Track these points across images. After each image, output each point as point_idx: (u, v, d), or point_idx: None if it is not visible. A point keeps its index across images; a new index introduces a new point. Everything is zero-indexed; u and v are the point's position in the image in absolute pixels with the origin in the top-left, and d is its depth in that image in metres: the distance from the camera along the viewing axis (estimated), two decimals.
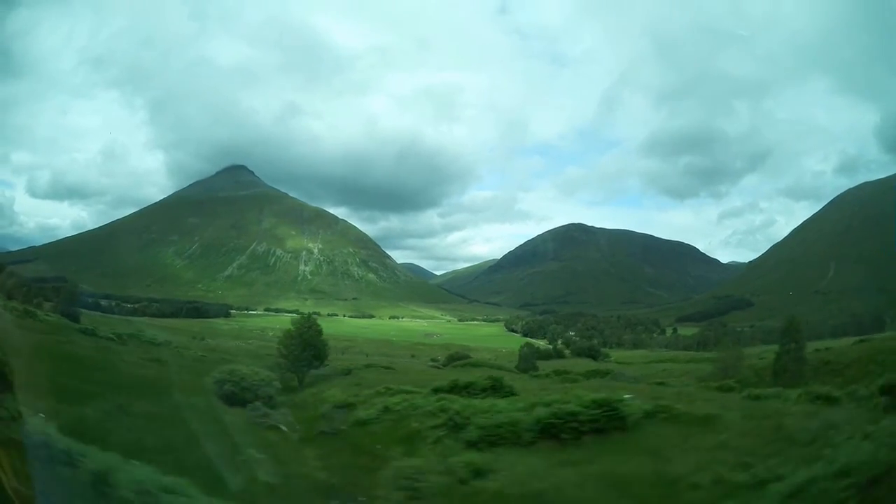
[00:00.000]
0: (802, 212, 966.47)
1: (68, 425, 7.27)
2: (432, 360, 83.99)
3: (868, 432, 7.18)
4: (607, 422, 10.22)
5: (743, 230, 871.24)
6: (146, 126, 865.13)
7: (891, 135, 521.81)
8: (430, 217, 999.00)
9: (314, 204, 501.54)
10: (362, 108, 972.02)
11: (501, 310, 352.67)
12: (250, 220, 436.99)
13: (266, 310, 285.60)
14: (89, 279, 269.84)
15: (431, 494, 7.66)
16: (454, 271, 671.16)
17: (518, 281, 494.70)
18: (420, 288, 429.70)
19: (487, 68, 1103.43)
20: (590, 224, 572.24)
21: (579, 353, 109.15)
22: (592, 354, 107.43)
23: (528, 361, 65.02)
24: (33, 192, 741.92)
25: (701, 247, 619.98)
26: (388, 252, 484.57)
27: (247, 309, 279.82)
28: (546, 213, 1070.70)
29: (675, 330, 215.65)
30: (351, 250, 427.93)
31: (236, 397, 17.98)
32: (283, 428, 13.16)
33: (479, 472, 8.40)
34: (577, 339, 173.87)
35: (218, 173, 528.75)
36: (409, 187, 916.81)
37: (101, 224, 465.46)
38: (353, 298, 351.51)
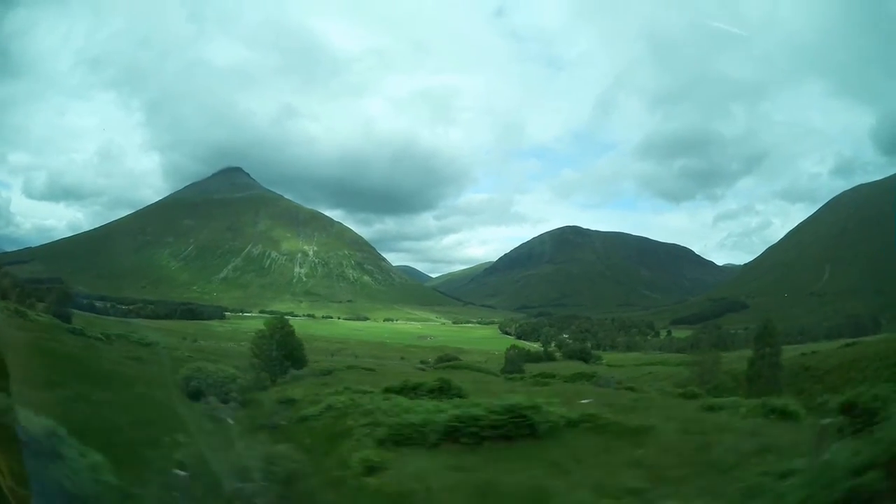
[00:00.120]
0: (798, 214, 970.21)
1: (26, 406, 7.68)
2: (422, 362, 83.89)
3: (801, 465, 6.41)
4: (514, 429, 10.23)
5: (738, 232, 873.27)
6: (142, 127, 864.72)
7: (887, 137, 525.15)
8: (426, 219, 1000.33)
9: (310, 206, 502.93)
10: (359, 111, 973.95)
11: (496, 312, 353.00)
12: (246, 223, 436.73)
13: (261, 312, 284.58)
14: (85, 280, 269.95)
15: (323, 486, 7.98)
16: (450, 274, 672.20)
17: (513, 283, 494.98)
18: (415, 290, 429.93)
19: (484, 71, 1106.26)
20: (585, 227, 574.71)
21: (570, 356, 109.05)
22: (583, 357, 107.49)
23: (514, 364, 65.06)
24: (30, 193, 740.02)
25: (696, 249, 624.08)
26: (384, 255, 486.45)
27: (241, 311, 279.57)
28: (542, 215, 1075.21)
29: (669, 332, 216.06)
30: (346, 253, 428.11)
31: (200, 393, 18.54)
32: (229, 420, 13.40)
33: (371, 469, 8.72)
34: (571, 341, 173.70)
35: (214, 175, 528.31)
36: (405, 190, 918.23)
37: (96, 225, 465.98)
38: (348, 301, 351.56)
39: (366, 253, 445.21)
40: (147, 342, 54.63)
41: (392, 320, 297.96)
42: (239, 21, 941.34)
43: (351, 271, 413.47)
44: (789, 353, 59.25)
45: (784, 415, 12.58)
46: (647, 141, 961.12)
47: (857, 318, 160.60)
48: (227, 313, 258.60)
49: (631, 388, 27.03)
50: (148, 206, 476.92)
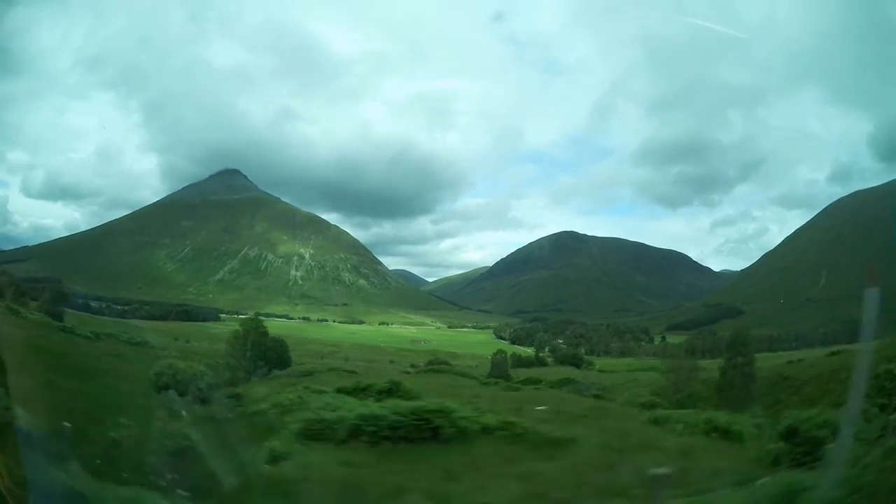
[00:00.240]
0: (795, 220, 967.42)
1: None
2: (412, 365, 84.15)
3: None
4: (415, 431, 10.58)
5: (735, 238, 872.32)
6: (140, 128, 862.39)
7: (884, 143, 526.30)
8: (423, 224, 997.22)
9: (307, 209, 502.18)
10: (356, 114, 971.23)
11: (492, 317, 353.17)
12: (242, 225, 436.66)
13: (256, 314, 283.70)
14: (82, 280, 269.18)
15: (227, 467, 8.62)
16: (446, 278, 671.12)
17: (509, 288, 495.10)
18: (411, 294, 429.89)
19: (482, 75, 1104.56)
20: (582, 232, 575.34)
21: (562, 362, 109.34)
22: (575, 363, 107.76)
23: (499, 369, 65.19)
24: (27, 192, 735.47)
25: (693, 255, 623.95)
26: (381, 258, 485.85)
27: (237, 313, 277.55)
28: (538, 220, 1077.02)
29: (663, 338, 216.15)
30: (342, 256, 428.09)
31: (169, 387, 19.75)
32: (183, 412, 14.38)
33: (275, 458, 9.51)
34: (565, 346, 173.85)
35: (211, 177, 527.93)
36: (402, 194, 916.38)
37: (94, 225, 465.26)
38: (344, 304, 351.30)
39: (362, 256, 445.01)
40: (135, 341, 55.18)
41: (387, 324, 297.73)
42: (238, 23, 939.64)
43: (347, 275, 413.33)
44: (776, 360, 59.27)
45: (726, 434, 12.01)
46: (645, 147, 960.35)
47: (852, 325, 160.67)
48: (222, 315, 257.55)
49: (598, 396, 26.89)
50: (145, 207, 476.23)
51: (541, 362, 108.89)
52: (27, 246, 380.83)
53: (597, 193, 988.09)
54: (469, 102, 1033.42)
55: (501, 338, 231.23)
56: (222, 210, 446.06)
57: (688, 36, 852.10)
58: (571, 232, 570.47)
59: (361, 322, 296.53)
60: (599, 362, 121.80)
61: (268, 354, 41.60)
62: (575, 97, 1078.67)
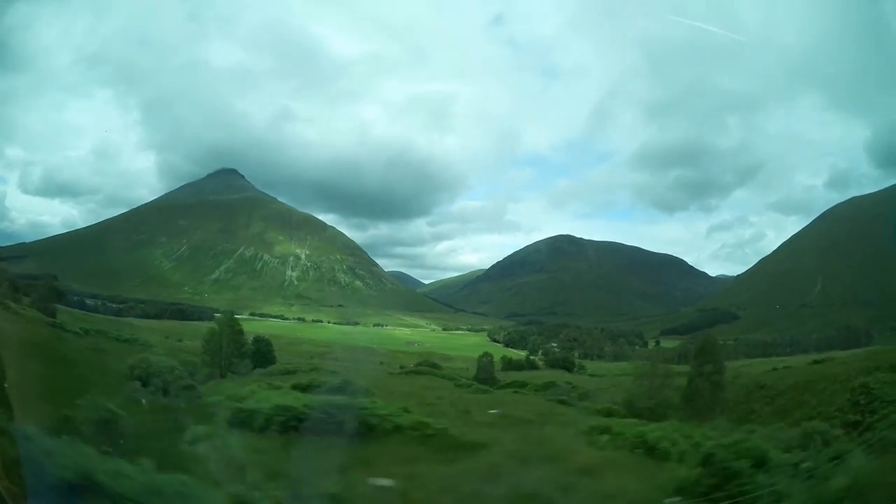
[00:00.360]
0: (792, 226, 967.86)
1: None
2: (401, 367, 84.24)
3: None
4: (320, 424, 11.10)
5: (732, 244, 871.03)
6: (138, 126, 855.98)
7: (882, 150, 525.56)
8: (420, 226, 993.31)
9: (304, 209, 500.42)
10: (355, 115, 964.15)
11: (488, 320, 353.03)
12: (239, 224, 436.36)
13: (251, 314, 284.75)
14: (78, 278, 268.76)
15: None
16: (442, 280, 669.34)
17: (505, 291, 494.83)
18: (406, 296, 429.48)
19: (480, 78, 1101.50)
20: (578, 236, 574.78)
21: (553, 365, 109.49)
22: (566, 366, 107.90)
23: (485, 371, 65.41)
24: (25, 189, 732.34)
25: (690, 260, 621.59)
26: (377, 260, 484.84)
27: (232, 313, 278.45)
28: (535, 224, 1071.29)
29: (657, 342, 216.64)
30: (338, 257, 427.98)
31: (143, 380, 21.13)
32: (143, 401, 15.98)
33: (195, 440, 10.57)
34: (558, 350, 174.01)
35: (209, 176, 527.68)
36: (400, 195, 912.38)
37: (91, 223, 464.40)
38: (339, 305, 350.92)
39: (358, 258, 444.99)
40: (123, 338, 55.58)
41: (382, 325, 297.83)
42: (237, 22, 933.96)
43: (342, 276, 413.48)
44: (763, 366, 58.98)
45: (651, 452, 11.29)
46: (642, 151, 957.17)
47: (848, 330, 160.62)
48: (217, 315, 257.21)
49: (562, 402, 26.62)
50: (142, 206, 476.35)
51: (531, 365, 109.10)
52: (24, 242, 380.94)
53: (594, 197, 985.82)
54: (467, 105, 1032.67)
55: (496, 340, 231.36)
56: (219, 209, 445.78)
57: (686, 41, 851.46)
58: (568, 236, 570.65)
59: (356, 323, 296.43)
60: (591, 366, 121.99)
61: (242, 351, 42.71)
62: (573, 101, 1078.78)
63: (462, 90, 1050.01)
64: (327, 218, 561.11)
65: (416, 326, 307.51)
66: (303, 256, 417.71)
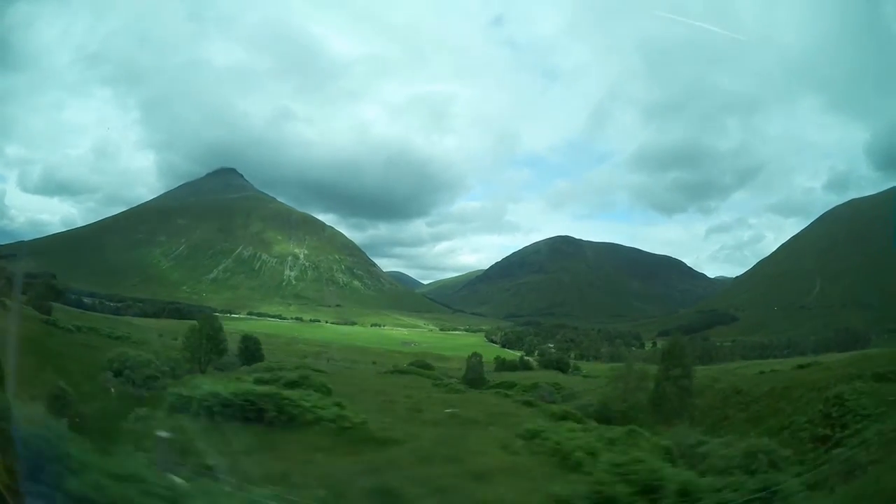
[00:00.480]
0: (791, 228, 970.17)
1: None
2: (394, 366, 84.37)
3: None
4: (240, 412, 12.04)
5: (731, 245, 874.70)
6: (138, 125, 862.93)
7: (881, 152, 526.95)
8: (419, 226, 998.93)
9: (303, 209, 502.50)
10: (354, 116, 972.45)
11: (486, 320, 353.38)
12: (238, 224, 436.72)
13: (249, 314, 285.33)
14: (77, 276, 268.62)
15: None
16: (441, 281, 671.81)
17: (504, 292, 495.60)
18: (405, 296, 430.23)
19: (480, 79, 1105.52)
20: (577, 237, 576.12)
21: (547, 366, 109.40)
22: (561, 367, 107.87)
23: (474, 371, 65.51)
24: (24, 187, 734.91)
25: (688, 261, 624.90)
26: (376, 260, 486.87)
27: (230, 312, 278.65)
28: (534, 224, 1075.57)
29: (654, 344, 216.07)
30: (337, 257, 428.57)
31: (117, 372, 22.95)
32: (111, 389, 17.70)
33: (138, 419, 11.68)
34: (555, 351, 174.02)
35: (208, 175, 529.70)
36: (399, 196, 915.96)
37: (90, 222, 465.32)
38: (337, 305, 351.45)
39: (356, 258, 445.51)
40: (115, 336, 55.89)
41: (380, 325, 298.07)
42: (237, 22, 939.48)
43: (341, 276, 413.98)
44: (751, 369, 58.48)
45: (564, 461, 11.01)
46: (641, 152, 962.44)
47: (846, 332, 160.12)
48: (215, 314, 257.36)
49: (528, 403, 26.09)
50: (141, 204, 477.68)
51: (526, 366, 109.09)
52: (23, 241, 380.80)
53: (593, 198, 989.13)
54: (467, 106, 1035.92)
55: (493, 341, 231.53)
56: (218, 209, 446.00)
57: (685, 43, 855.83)
58: (567, 237, 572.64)
59: (354, 323, 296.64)
60: (587, 367, 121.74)
61: (220, 348, 44.54)
62: (572, 102, 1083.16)
63: (461, 91, 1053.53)
64: (326, 218, 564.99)
65: (414, 326, 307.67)
66: (301, 256, 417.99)
